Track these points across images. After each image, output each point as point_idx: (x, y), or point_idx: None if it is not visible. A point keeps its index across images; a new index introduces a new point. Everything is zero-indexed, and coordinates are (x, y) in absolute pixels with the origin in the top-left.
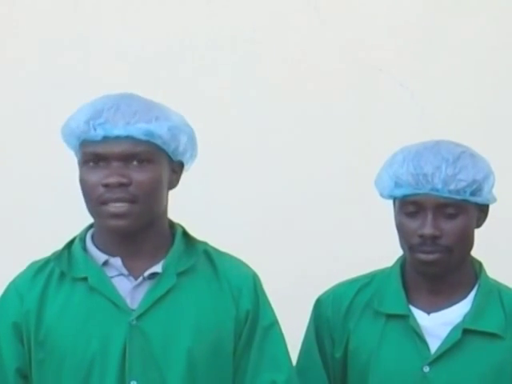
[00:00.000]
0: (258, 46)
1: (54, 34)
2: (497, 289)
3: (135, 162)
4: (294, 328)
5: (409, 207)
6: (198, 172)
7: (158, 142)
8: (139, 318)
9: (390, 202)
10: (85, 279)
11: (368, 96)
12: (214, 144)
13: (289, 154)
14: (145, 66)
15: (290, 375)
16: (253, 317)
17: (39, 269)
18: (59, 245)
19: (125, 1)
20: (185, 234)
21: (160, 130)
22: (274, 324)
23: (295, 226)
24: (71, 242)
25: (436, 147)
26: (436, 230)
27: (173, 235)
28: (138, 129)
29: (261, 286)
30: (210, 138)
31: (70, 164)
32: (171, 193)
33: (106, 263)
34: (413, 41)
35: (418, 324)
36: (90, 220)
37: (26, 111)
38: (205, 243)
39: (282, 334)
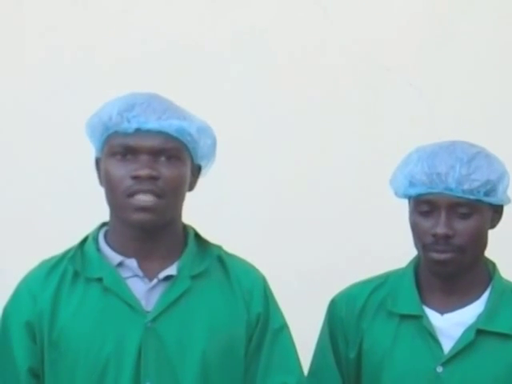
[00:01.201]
0: (265, 45)
1: (57, 35)
2: (510, 289)
3: (163, 158)
4: (300, 325)
5: (422, 206)
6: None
7: (188, 140)
8: (154, 319)
9: (400, 201)
10: (99, 280)
11: (376, 95)
12: (221, 141)
13: (296, 154)
14: (147, 66)
15: (300, 378)
16: (263, 320)
17: (52, 268)
18: (66, 242)
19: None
20: (196, 235)
21: (190, 128)
22: (283, 327)
23: (301, 226)
24: (83, 242)
25: (451, 147)
26: (449, 229)
27: (185, 237)
28: (170, 124)
29: (269, 289)
30: (217, 135)
31: (76, 162)
32: None
33: (119, 264)
34: (421, 40)
35: (431, 324)
36: (98, 218)
37: (32, 111)
38: (218, 247)
39: (291, 337)
